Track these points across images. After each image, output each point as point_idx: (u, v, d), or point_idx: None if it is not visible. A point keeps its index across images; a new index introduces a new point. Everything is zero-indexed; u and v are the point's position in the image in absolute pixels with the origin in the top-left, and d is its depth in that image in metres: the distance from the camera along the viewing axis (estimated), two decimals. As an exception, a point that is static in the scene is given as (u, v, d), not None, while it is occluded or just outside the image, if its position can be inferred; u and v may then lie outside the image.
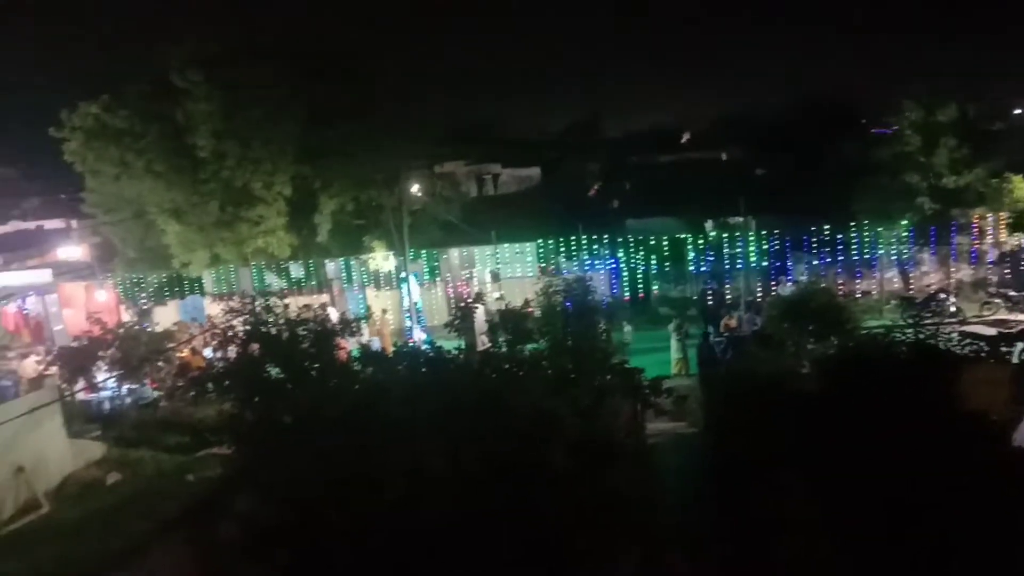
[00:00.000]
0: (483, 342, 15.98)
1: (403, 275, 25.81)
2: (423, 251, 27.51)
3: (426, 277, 27.75)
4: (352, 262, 27.93)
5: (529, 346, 11.92)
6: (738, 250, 26.09)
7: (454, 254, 28.43)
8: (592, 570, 7.92)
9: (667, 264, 27.10)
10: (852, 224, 25.65)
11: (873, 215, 25.51)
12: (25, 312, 27.84)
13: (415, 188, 28.82)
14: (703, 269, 26.77)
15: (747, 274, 25.73)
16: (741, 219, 26.69)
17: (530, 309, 14.42)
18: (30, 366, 21.70)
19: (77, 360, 19.45)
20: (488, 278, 27.47)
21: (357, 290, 27.97)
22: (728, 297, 25.76)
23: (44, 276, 29.61)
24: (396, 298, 26.64)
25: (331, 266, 27.93)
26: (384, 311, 24.74)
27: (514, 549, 7.77)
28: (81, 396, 19.55)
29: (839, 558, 8.35)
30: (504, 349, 11.40)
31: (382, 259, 27.19)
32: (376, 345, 21.28)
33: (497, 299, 23.79)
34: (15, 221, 49.25)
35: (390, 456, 8.58)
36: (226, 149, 24.67)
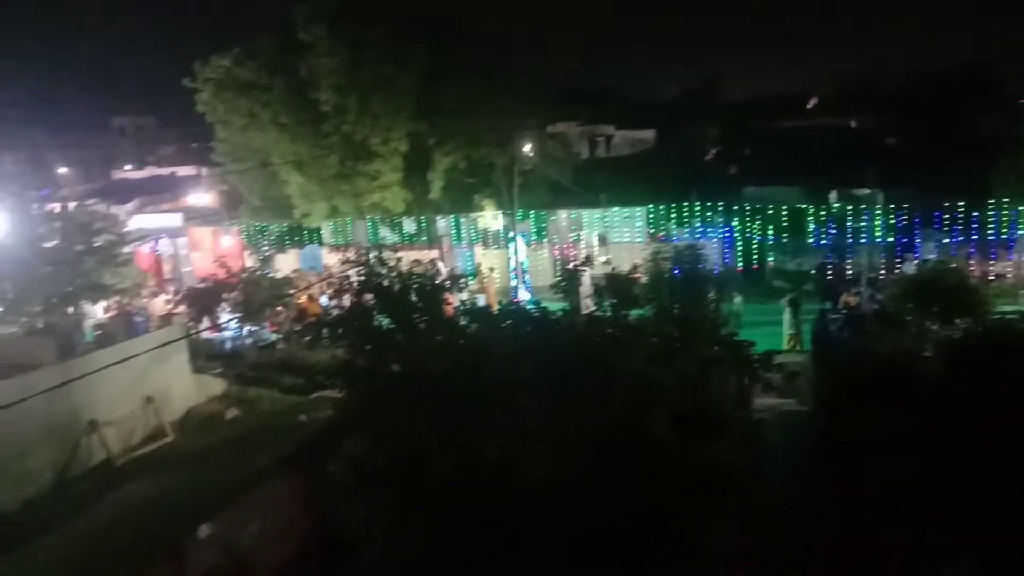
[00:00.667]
0: (587, 305, 15.90)
1: (511, 235, 25.93)
2: (532, 211, 27.51)
3: (533, 237, 27.77)
4: (462, 219, 28.26)
5: (635, 312, 11.75)
6: (863, 224, 24.75)
7: (562, 215, 28.29)
8: (690, 542, 7.82)
9: (785, 235, 26.03)
10: (989, 202, 23.82)
11: (1013, 193, 23.58)
12: (157, 253, 29.75)
13: (527, 148, 28.76)
14: (823, 242, 25.57)
15: (871, 250, 24.40)
16: (868, 191, 25.25)
17: (637, 275, 14.21)
18: (159, 304, 23.23)
19: (203, 301, 20.63)
20: (596, 241, 27.22)
21: (465, 247, 28.33)
22: (849, 273, 24.54)
23: (175, 220, 31.49)
24: (503, 257, 26.84)
25: (442, 223, 28.38)
26: (491, 269, 24.98)
27: (608, 514, 7.77)
28: (205, 335, 20.79)
29: (951, 550, 7.92)
30: (609, 313, 11.28)
31: (491, 218, 27.38)
32: (482, 302, 21.54)
33: (604, 263, 23.58)
34: (151, 167, 52.49)
35: (492, 411, 8.71)
36: (347, 104, 25.26)
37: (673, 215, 26.92)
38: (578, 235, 27.99)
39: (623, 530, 7.62)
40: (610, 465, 7.78)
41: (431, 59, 25.29)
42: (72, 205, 21.66)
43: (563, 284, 12.85)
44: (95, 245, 20.43)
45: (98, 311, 22.56)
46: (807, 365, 15.61)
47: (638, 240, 26.27)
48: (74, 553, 11.35)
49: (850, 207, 25.28)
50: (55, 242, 20.05)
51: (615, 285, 11.87)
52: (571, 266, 13.49)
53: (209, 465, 13.92)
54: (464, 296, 19.98)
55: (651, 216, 27.15)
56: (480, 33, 27.12)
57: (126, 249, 21.62)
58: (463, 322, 11.80)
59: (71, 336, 19.05)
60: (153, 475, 13.88)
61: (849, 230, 25.10)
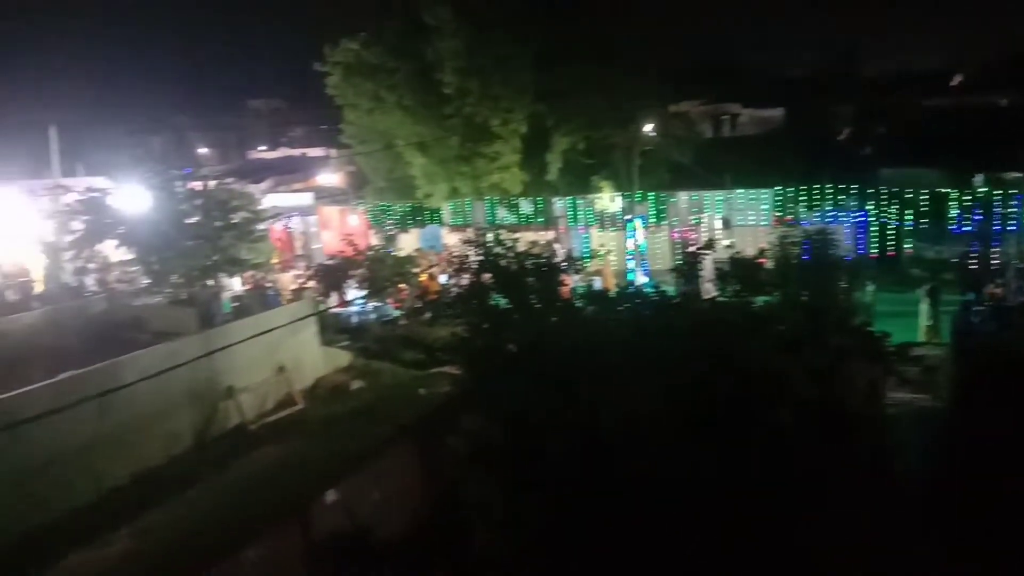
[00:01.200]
0: (708, 290, 15.48)
1: (629, 217, 25.59)
2: (651, 193, 27.01)
3: (652, 220, 27.28)
4: (579, 201, 28.12)
5: (760, 299, 11.34)
6: (1012, 210, 22.85)
7: (683, 197, 27.62)
8: (815, 541, 7.52)
9: (924, 220, 24.41)
10: None
11: None
12: (289, 230, 31.26)
13: (648, 128, 28.19)
14: (967, 229, 23.80)
15: (1019, 238, 22.53)
16: (1018, 175, 23.27)
17: (763, 260, 13.68)
18: (288, 279, 24.46)
19: (331, 276, 21.58)
20: (718, 224, 26.46)
21: (582, 229, 28.19)
22: (995, 262, 22.77)
23: (306, 199, 32.98)
24: (620, 239, 26.54)
25: (558, 204, 28.34)
26: (608, 251, 24.77)
27: (727, 506, 7.57)
28: (333, 309, 21.73)
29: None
30: (733, 299, 10.94)
31: (608, 199, 27.09)
32: (598, 284, 21.44)
33: (727, 247, 22.89)
34: (284, 148, 55.10)
35: (608, 394, 8.65)
36: (469, 86, 25.58)
37: (802, 198, 25.74)
38: (699, 218, 27.27)
39: (742, 524, 7.42)
40: (731, 457, 7.57)
41: (551, 38, 25.17)
42: (212, 184, 22.97)
43: (683, 268, 12.56)
44: (233, 222, 21.66)
45: (235, 284, 23.98)
46: (946, 359, 14.63)
47: (763, 224, 25.32)
48: (212, 506, 12.18)
49: (998, 192, 23.39)
50: (196, 218, 21.41)
51: (740, 270, 11.47)
52: (692, 249, 13.15)
53: (335, 433, 14.56)
54: (580, 278, 20.00)
55: (778, 198, 26.08)
56: (601, 10, 26.70)
57: (261, 226, 22.82)
58: (579, 304, 11.76)
59: (211, 307, 20.32)
60: (284, 440, 14.66)
61: (996, 217, 23.23)
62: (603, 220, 27.79)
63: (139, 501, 12.41)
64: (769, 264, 13.27)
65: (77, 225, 21.79)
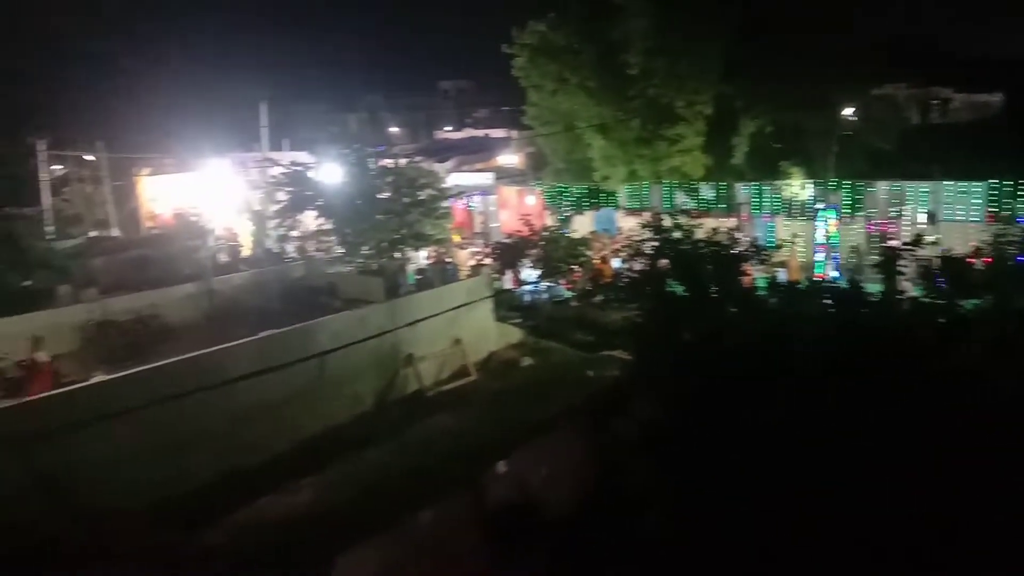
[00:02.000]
0: (906, 289, 14.32)
1: (820, 206, 24.08)
2: (846, 182, 25.21)
3: (846, 210, 25.49)
4: (765, 188, 26.81)
5: (969, 302, 10.30)
6: None
7: (882, 188, 25.56)
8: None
9: None
10: None
11: None
12: (470, 208, 32.27)
13: (846, 112, 26.31)
14: None
15: None
16: None
17: (972, 259, 12.43)
18: (465, 255, 25.30)
19: (507, 255, 22.08)
20: (921, 219, 24.29)
21: (767, 217, 26.89)
22: None
23: (487, 179, 33.86)
24: (808, 230, 25.05)
25: (743, 190, 27.19)
26: (795, 242, 23.46)
27: (927, 529, 6.96)
28: (507, 286, 22.26)
29: None
30: (937, 300, 10.01)
31: (798, 187, 25.61)
32: (782, 276, 20.41)
33: (932, 243, 21.01)
34: (468, 128, 56.82)
35: (792, 392, 8.22)
36: (655, 66, 25.03)
37: (1021, 193, 23.06)
38: (899, 210, 25.17)
39: (941, 549, 6.80)
40: (933, 472, 6.94)
41: (746, 15, 24.02)
42: (402, 161, 24.14)
43: (883, 263, 11.64)
44: (419, 198, 22.69)
45: (419, 257, 25.14)
46: None
47: (974, 219, 22.96)
48: (390, 466, 12.93)
49: None
50: (387, 194, 22.62)
51: (948, 269, 10.47)
52: (891, 244, 12.15)
53: (505, 406, 14.99)
54: (763, 269, 19.11)
55: (993, 193, 23.51)
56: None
57: (444, 203, 23.74)
58: (762, 295, 11.24)
59: (396, 278, 21.47)
60: (457, 409, 15.27)
61: None
62: (791, 208, 26.35)
63: (325, 454, 13.40)
64: (979, 264, 12.05)
65: (281, 196, 23.71)
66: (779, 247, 22.38)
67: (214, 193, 34.36)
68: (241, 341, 14.46)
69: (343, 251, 22.80)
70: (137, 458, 11.53)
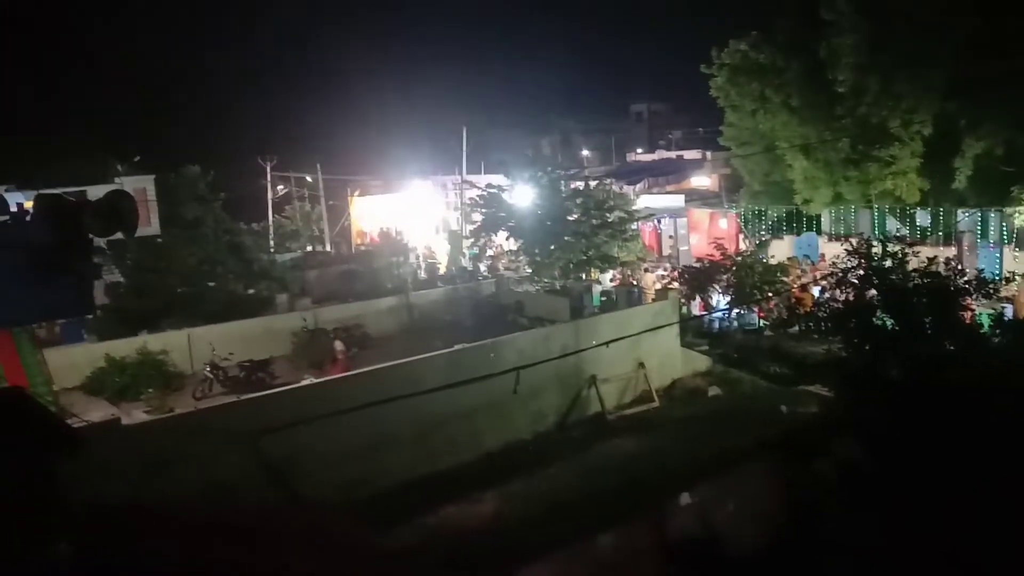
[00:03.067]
0: None
1: (1059, 236, 21.34)
2: (1091, 210, 22.19)
3: (1089, 242, 22.43)
4: (991, 214, 24.19)
5: None
6: None
7: None
8: None
9: None
10: None
11: None
12: (659, 231, 31.85)
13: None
14: None
15: None
16: None
17: None
18: (650, 279, 24.92)
19: (697, 279, 21.51)
20: None
21: (992, 247, 24.23)
22: None
23: (678, 201, 33.33)
24: (1044, 262, 22.27)
25: (965, 217, 24.69)
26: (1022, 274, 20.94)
27: None
28: (695, 311, 21.67)
29: None
30: None
31: (1031, 214, 22.89)
32: (1009, 313, 18.28)
33: None
34: (660, 150, 56.29)
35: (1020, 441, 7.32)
36: (867, 84, 23.49)
37: None
38: None
39: None
40: None
41: (980, 25, 21.85)
42: (592, 184, 24.36)
43: None
44: (608, 220, 22.79)
45: (605, 279, 25.19)
46: None
47: None
48: (569, 486, 12.96)
49: None
50: (576, 215, 22.92)
51: None
52: None
53: (690, 436, 14.55)
54: (987, 304, 17.23)
55: None
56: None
57: (633, 226, 23.66)
58: (986, 333, 10.14)
59: (582, 298, 21.63)
60: (639, 434, 15.04)
61: None
62: (1022, 238, 23.59)
63: (508, 468, 13.69)
64: None
65: (477, 216, 24.74)
66: (1007, 280, 20.10)
67: (416, 213, 36.55)
68: (435, 353, 15.18)
69: (531, 271, 23.36)
70: (342, 456, 12.39)
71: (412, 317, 22.26)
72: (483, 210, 24.06)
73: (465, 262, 30.03)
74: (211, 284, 23.04)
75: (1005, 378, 8.04)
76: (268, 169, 38.83)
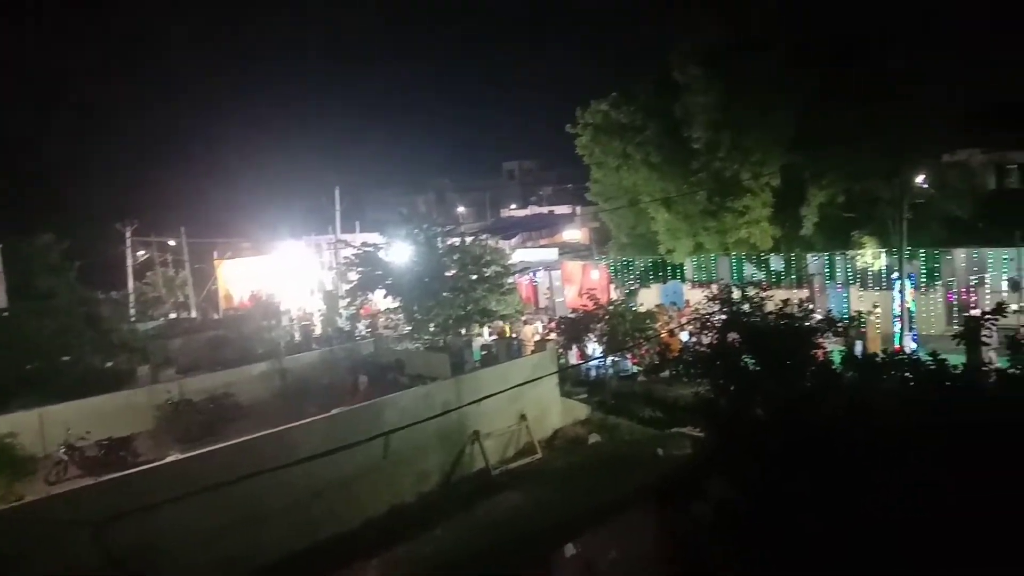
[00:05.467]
0: (991, 360, 13.62)
1: (895, 275, 23.34)
2: (922, 250, 24.48)
3: (922, 280, 24.67)
4: (837, 258, 26.23)
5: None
6: None
7: (960, 255, 24.73)
8: None
9: None
10: None
11: None
12: (535, 283, 32.48)
13: (919, 179, 25.76)
14: None
15: None
16: None
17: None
18: (529, 331, 25.29)
19: (572, 330, 21.99)
20: (1004, 286, 23.31)
21: (840, 288, 26.21)
22: None
23: (552, 254, 34.17)
24: (885, 300, 24.23)
25: (813, 261, 26.64)
26: (871, 313, 22.74)
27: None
28: (572, 361, 22.08)
29: None
30: (1026, 373, 9.45)
31: (872, 256, 24.97)
32: (858, 349, 19.70)
33: (1016, 311, 20.04)
34: (532, 206, 57.76)
35: (874, 471, 7.81)
36: (719, 140, 25.13)
37: (1115, 257, 21.97)
38: (980, 278, 24.23)
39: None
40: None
41: (810, 87, 23.93)
42: (468, 239, 24.61)
43: (965, 334, 11.16)
44: (485, 275, 23.00)
45: (485, 333, 25.30)
46: None
47: (1063, 287, 21.91)
48: (456, 547, 12.71)
49: None
50: (454, 271, 23.02)
51: (1038, 339, 9.92)
52: (974, 313, 11.61)
53: (573, 485, 14.65)
54: (838, 341, 18.50)
55: (1082, 259, 22.48)
56: (877, 48, 24.72)
57: (510, 279, 23.97)
58: (838, 369, 10.84)
59: (462, 354, 21.58)
60: (524, 487, 14.99)
61: None
62: (864, 278, 25.65)
63: (393, 532, 13.28)
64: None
65: (352, 276, 24.36)
66: (853, 318, 21.70)
67: (288, 274, 35.59)
68: (310, 419, 14.66)
69: (410, 328, 23.15)
70: (211, 535, 11.65)
71: (286, 382, 21.49)
72: (359, 269, 23.73)
73: (342, 322, 29.41)
74: (66, 358, 21.44)
75: (852, 412, 8.58)
76: (127, 234, 36.88)
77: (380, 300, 25.07)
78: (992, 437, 7.44)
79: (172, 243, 40.05)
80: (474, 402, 14.82)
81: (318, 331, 30.33)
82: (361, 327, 27.94)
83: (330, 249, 35.55)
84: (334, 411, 15.43)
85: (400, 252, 23.54)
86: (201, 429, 17.06)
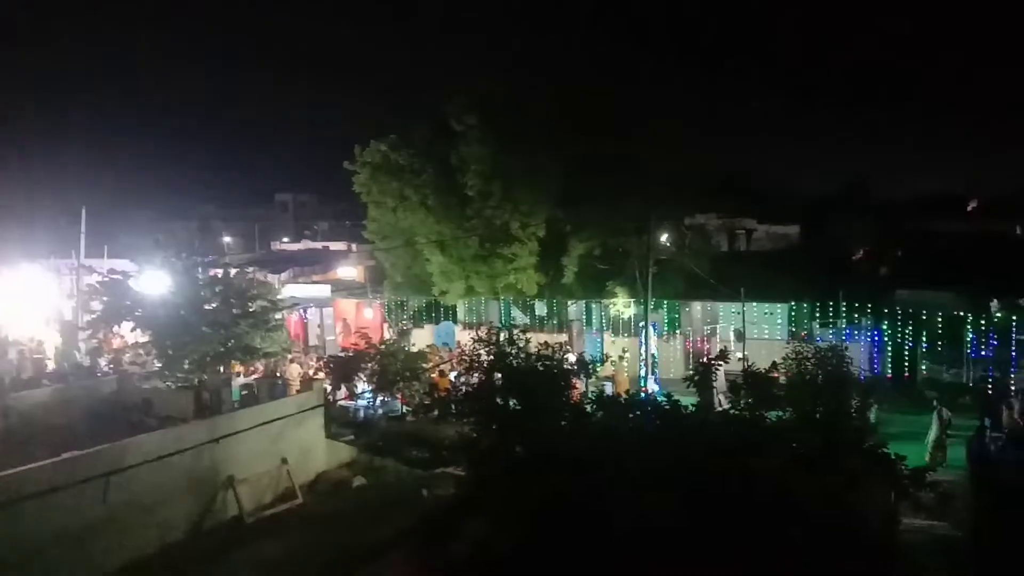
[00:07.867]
0: (720, 402, 15.28)
1: (642, 323, 25.60)
2: (665, 301, 27.15)
3: (665, 328, 27.31)
4: (593, 305, 28.28)
5: (773, 413, 11.16)
6: (1030, 337, 22.66)
7: (697, 308, 27.74)
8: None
9: (940, 343, 24.23)
10: None
11: None
12: (305, 321, 31.47)
13: (664, 238, 28.63)
14: (984, 354, 23.56)
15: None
16: (1036, 303, 23.22)
17: (776, 374, 13.60)
18: (295, 370, 24.38)
19: (342, 369, 21.52)
20: (732, 336, 26.42)
21: (595, 333, 28.22)
22: (1012, 389, 22.38)
23: (324, 291, 33.35)
24: (633, 345, 26.47)
25: (573, 307, 28.49)
26: (620, 357, 24.68)
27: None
28: (340, 402, 21.58)
29: None
30: (745, 413, 10.78)
31: (623, 305, 27.22)
32: (609, 390, 21.24)
33: (739, 359, 22.77)
34: (307, 240, 56.25)
35: (618, 501, 8.42)
36: (491, 189, 26.30)
37: (817, 314, 25.78)
38: (713, 328, 27.29)
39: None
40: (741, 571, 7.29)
41: (576, 149, 25.95)
42: (233, 272, 23.32)
43: (696, 378, 12.48)
44: (250, 310, 21.86)
45: (240, 372, 23.96)
46: (964, 487, 14.20)
47: (778, 338, 25.25)
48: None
49: (1015, 317, 23.27)
50: (215, 304, 21.65)
51: (752, 383, 11.35)
52: (708, 360, 13.06)
53: (334, 531, 14.22)
54: (592, 382, 19.83)
55: (793, 314, 26.12)
56: (626, 123, 27.45)
57: (278, 316, 22.99)
58: (589, 409, 11.61)
59: (220, 394, 20.28)
60: (281, 535, 14.31)
61: (1013, 343, 23.02)
62: (617, 325, 27.84)
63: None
64: (782, 379, 13.15)
65: (96, 305, 22.07)
66: (606, 361, 23.42)
67: (20, 301, 31.42)
68: (38, 464, 12.96)
69: (161, 365, 21.32)
70: None
71: (10, 423, 18.85)
72: (104, 298, 21.54)
73: (80, 357, 26.46)
74: None
75: (602, 449, 9.23)
76: None
77: (128, 333, 22.88)
78: (715, 467, 8.38)
79: None
80: (223, 437, 13.99)
81: (52, 366, 27.00)
82: (103, 362, 25.33)
83: (71, 275, 31.99)
84: (64, 455, 13.76)
85: (153, 281, 21.75)
86: None
